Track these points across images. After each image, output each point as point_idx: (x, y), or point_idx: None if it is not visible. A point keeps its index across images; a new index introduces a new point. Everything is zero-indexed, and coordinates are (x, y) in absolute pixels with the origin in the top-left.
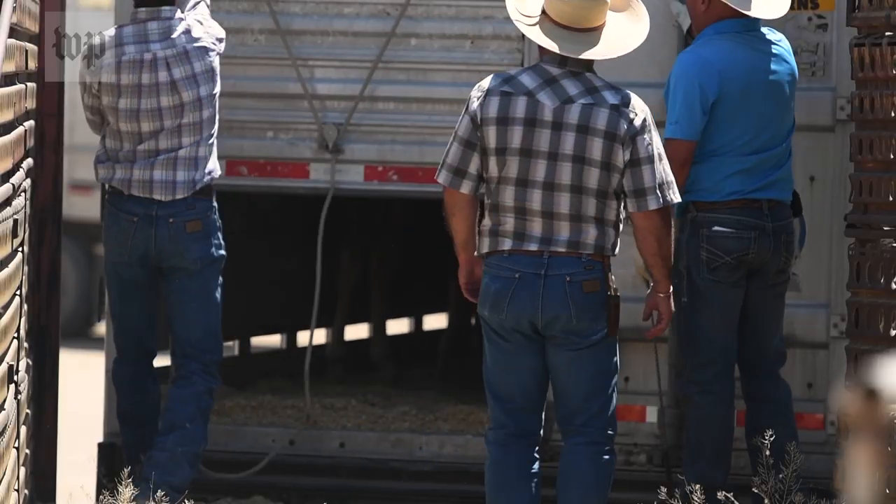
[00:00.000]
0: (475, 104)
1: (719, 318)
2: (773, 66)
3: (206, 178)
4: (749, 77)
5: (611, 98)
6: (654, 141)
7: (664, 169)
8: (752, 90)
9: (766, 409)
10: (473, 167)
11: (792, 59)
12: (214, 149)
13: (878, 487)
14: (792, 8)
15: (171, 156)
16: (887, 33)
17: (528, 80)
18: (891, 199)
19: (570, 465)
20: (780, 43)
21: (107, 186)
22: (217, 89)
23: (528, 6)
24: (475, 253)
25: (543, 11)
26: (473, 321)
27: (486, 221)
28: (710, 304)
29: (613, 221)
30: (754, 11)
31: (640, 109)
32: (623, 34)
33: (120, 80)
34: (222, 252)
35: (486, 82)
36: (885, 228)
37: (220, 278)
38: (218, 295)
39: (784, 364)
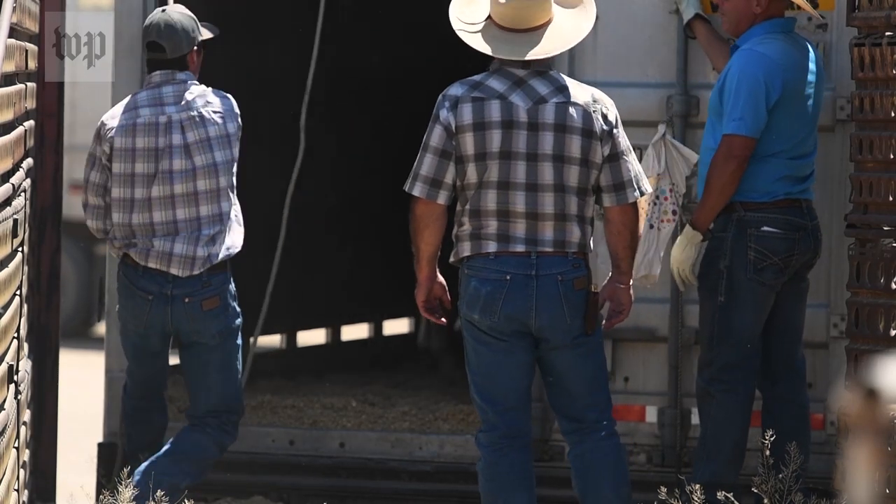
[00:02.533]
0: (446, 113)
1: (753, 320)
2: (812, 68)
3: (224, 255)
4: (800, 79)
5: (581, 95)
6: (624, 134)
7: (635, 160)
8: (801, 92)
9: (792, 412)
10: (449, 177)
11: (821, 62)
12: (235, 223)
13: (878, 487)
14: (791, 8)
15: (194, 231)
16: (887, 33)
17: (496, 84)
18: (891, 199)
19: (595, 462)
20: (811, 45)
21: (120, 257)
22: (234, 158)
23: (473, 14)
24: (450, 259)
25: (489, 17)
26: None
27: (466, 227)
28: (747, 305)
29: (591, 218)
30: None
31: (610, 104)
32: (565, 30)
33: (135, 144)
34: (239, 320)
35: (452, 90)
36: (885, 228)
37: (240, 340)
38: (239, 359)
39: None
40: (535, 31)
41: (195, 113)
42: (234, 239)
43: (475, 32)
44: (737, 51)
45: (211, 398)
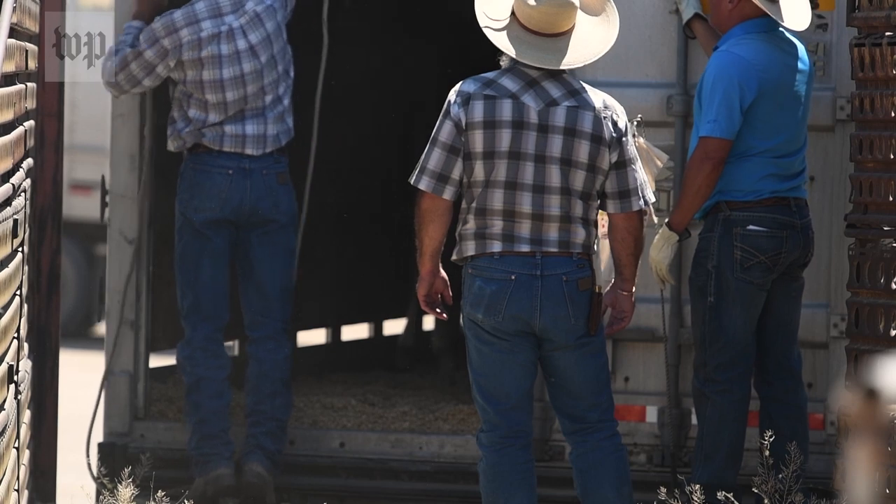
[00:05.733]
0: (457, 108)
1: (744, 319)
2: (799, 66)
3: (288, 135)
4: (782, 78)
5: (593, 101)
6: (633, 142)
7: (641, 169)
8: (785, 91)
9: (788, 412)
10: (456, 172)
11: (808, 59)
12: (291, 102)
13: (878, 487)
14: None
15: (260, 111)
16: (887, 33)
17: (509, 83)
18: (891, 199)
19: (597, 462)
20: (799, 43)
21: (187, 148)
22: (285, 42)
23: (497, 9)
24: (452, 257)
25: (513, 13)
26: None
27: (470, 225)
28: (737, 305)
29: (595, 221)
30: (786, 22)
31: (620, 111)
32: (592, 40)
33: (201, 55)
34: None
35: (464, 86)
36: (885, 228)
37: None
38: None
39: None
40: (561, 37)
41: (252, 14)
42: (291, 118)
43: (500, 30)
44: (714, 52)
45: (276, 280)
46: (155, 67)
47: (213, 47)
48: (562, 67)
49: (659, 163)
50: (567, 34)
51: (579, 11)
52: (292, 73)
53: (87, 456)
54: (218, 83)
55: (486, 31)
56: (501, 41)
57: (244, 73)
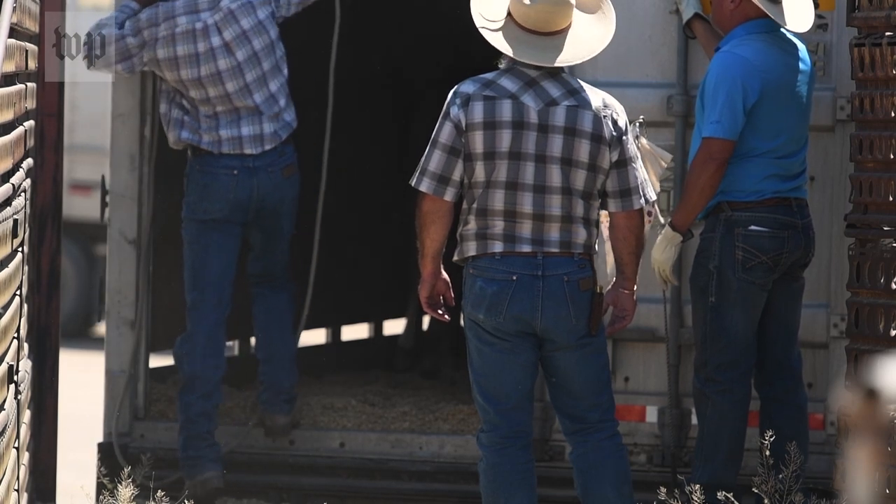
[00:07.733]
0: (457, 110)
1: (746, 319)
2: (801, 67)
3: (289, 130)
4: (784, 78)
5: (592, 100)
6: (633, 140)
7: (641, 167)
8: (787, 91)
9: (789, 412)
10: (457, 174)
11: (809, 59)
12: (289, 97)
13: (878, 487)
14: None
15: (254, 112)
16: (887, 33)
17: (508, 84)
18: (891, 199)
19: (597, 462)
20: (800, 43)
21: (191, 147)
22: (272, 39)
23: (493, 10)
24: (454, 258)
25: (509, 13)
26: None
27: (471, 226)
28: (739, 305)
29: (595, 221)
30: (789, 24)
31: (620, 110)
32: (588, 38)
33: (177, 53)
34: None
35: (463, 87)
36: (885, 228)
37: None
38: None
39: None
40: (557, 35)
41: (226, 11)
42: (291, 112)
43: (496, 31)
44: (716, 53)
45: (283, 255)
46: (132, 56)
47: (188, 45)
48: (559, 65)
49: (663, 163)
50: (563, 32)
51: (575, 10)
52: (286, 71)
53: (124, 449)
54: (197, 81)
55: (482, 30)
56: (498, 41)
57: (220, 70)
